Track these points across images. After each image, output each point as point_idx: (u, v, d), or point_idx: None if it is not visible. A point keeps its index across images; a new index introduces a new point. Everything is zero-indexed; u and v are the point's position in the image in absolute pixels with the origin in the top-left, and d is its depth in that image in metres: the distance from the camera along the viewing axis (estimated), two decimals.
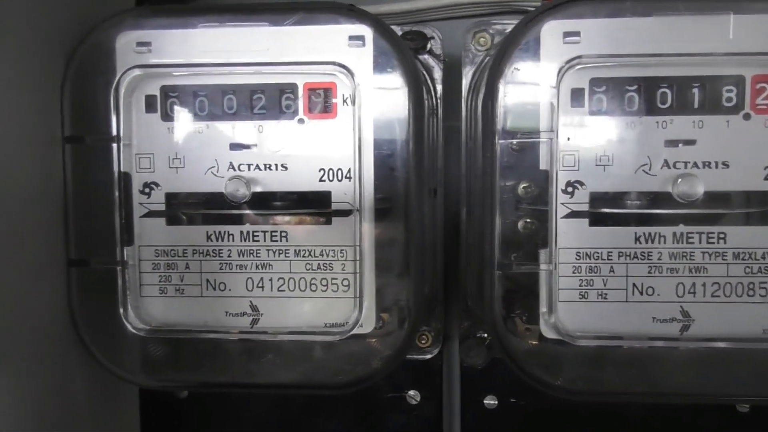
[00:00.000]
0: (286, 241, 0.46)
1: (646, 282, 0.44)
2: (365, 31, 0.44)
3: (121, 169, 0.46)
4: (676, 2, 0.41)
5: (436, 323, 0.52)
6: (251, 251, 0.47)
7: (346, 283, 0.46)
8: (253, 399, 0.57)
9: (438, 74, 0.50)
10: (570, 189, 0.43)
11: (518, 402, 0.54)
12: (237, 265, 0.47)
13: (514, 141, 0.43)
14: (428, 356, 0.52)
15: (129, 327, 0.47)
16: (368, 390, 0.49)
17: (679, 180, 0.43)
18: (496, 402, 0.54)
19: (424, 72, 0.49)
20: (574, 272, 0.44)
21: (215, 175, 0.46)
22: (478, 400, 0.54)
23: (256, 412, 0.57)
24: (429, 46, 0.50)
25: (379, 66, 0.44)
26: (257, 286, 0.47)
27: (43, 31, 0.44)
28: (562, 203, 0.43)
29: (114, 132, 0.46)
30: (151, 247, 0.47)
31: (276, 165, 0.46)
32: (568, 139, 0.43)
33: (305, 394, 0.54)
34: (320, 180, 0.46)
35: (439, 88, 0.50)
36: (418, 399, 0.54)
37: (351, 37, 0.44)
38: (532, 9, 0.49)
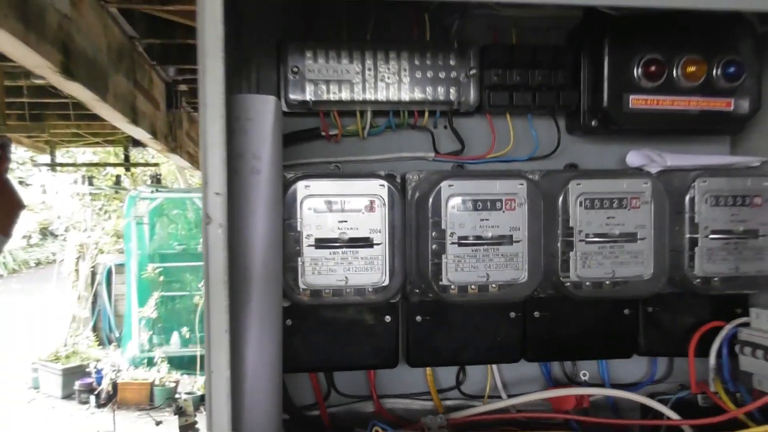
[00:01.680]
0: None
1: None
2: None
3: None
4: None
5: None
6: None
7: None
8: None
9: None
10: None
11: (431, 319, 1.24)
12: None
13: None
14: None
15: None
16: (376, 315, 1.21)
17: None
18: (421, 319, 1.20)
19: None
20: None
21: None
22: (414, 318, 1.19)
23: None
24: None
25: None
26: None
27: None
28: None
29: None
30: None
31: None
32: None
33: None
34: None
35: None
36: (389, 320, 1.21)
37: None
38: None
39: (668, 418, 1.18)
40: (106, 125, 7.44)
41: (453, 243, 1.12)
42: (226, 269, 0.86)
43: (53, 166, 9.15)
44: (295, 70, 1.19)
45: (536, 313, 1.26)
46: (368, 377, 1.28)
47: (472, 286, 1.15)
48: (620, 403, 1.32)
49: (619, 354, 1.31)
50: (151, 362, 8.92)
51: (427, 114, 1.25)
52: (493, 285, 1.14)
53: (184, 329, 9.37)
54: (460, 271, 1.13)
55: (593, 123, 1.26)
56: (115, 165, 10.03)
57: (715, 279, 1.20)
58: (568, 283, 1.17)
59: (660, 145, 1.30)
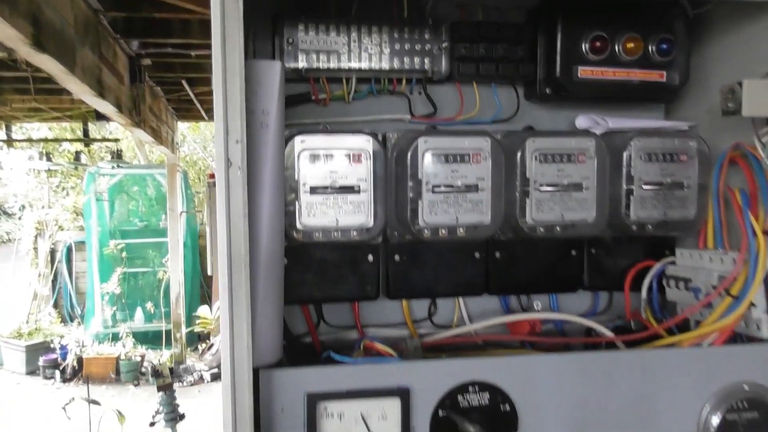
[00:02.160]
0: None
1: None
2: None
3: None
4: None
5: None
6: None
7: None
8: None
9: None
10: None
11: (408, 258, 1.44)
12: None
13: None
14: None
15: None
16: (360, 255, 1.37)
17: None
18: (399, 258, 1.41)
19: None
20: None
21: None
22: (393, 258, 1.40)
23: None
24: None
25: None
26: None
27: None
28: None
29: None
30: None
31: None
32: None
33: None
34: None
35: None
36: (372, 259, 1.40)
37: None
38: None
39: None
40: (65, 100, 7.39)
41: (428, 191, 1.32)
42: (245, 204, 1.03)
43: (9, 142, 8.98)
44: (290, 41, 1.36)
45: (497, 254, 1.47)
46: (353, 309, 1.47)
47: (443, 229, 1.34)
48: (567, 330, 1.54)
49: (566, 289, 1.53)
50: (115, 337, 8.95)
51: (404, 81, 1.44)
52: (461, 227, 1.34)
53: (149, 304, 9.41)
54: (434, 214, 1.32)
55: (547, 91, 1.46)
56: (75, 140, 9.93)
57: (648, 224, 1.43)
58: (525, 226, 1.38)
59: (604, 111, 1.50)
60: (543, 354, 1.30)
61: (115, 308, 9.31)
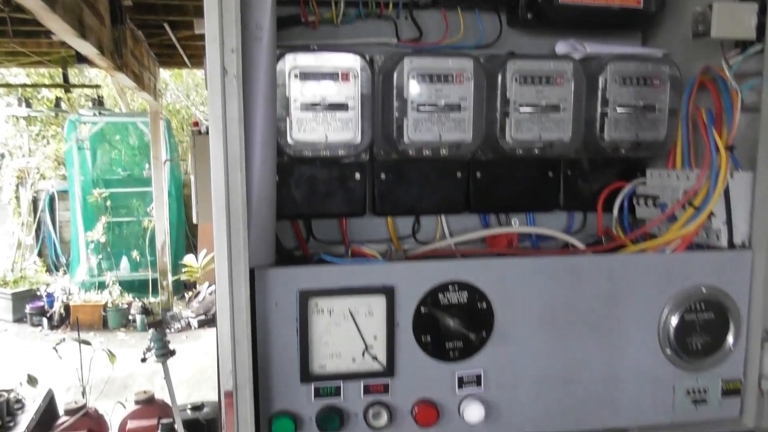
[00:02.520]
0: None
1: None
2: None
3: None
4: None
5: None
6: None
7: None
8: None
9: None
10: None
11: (393, 176, 1.52)
12: None
13: None
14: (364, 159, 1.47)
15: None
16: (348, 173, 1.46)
17: None
18: (385, 176, 1.49)
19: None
20: None
21: None
22: (380, 176, 1.50)
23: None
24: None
25: None
26: None
27: None
28: None
29: None
30: None
31: None
32: None
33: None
34: None
35: None
36: (359, 176, 1.47)
37: None
38: None
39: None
40: (43, 43, 7.26)
41: (412, 109, 1.38)
42: (241, 112, 1.09)
43: None
44: None
45: (478, 174, 1.55)
46: (341, 225, 1.54)
47: (427, 147, 1.41)
48: (542, 247, 1.64)
49: (543, 208, 1.62)
50: (102, 286, 9.02)
51: (391, 5, 1.48)
52: (444, 145, 1.41)
53: (134, 253, 9.47)
54: (418, 132, 1.39)
55: (529, 16, 1.52)
56: (54, 86, 9.75)
57: (621, 146, 1.51)
58: (505, 146, 1.46)
59: (584, 37, 1.56)
60: (517, 257, 1.39)
61: (100, 257, 9.36)
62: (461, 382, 1.28)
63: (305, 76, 1.35)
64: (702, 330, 1.34)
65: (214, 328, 1.31)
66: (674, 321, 1.32)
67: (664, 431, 1.38)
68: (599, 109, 1.48)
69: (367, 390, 1.25)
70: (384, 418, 1.24)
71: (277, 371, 1.21)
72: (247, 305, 1.13)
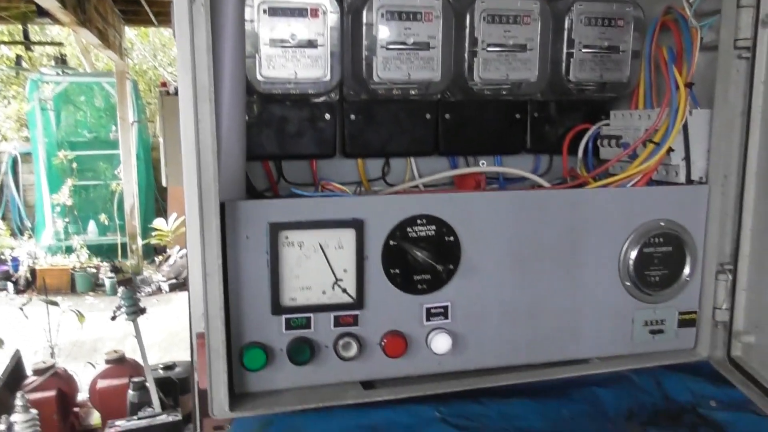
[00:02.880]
0: None
1: None
2: None
3: None
4: None
5: None
6: None
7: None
8: None
9: None
10: None
11: (363, 117, 1.53)
12: None
13: None
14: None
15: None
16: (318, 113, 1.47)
17: None
18: (355, 117, 1.51)
19: None
20: None
21: None
22: (349, 116, 1.52)
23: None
24: None
25: None
26: None
27: None
28: None
29: None
30: None
31: None
32: None
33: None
34: None
35: None
36: (329, 117, 1.48)
37: None
38: None
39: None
40: None
41: (382, 47, 1.38)
42: (209, 39, 1.08)
43: None
44: None
45: (447, 115, 1.57)
46: (311, 166, 1.55)
47: (397, 87, 1.42)
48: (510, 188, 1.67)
49: (511, 151, 1.65)
50: (69, 250, 8.90)
51: None
52: (413, 84, 1.42)
53: (102, 216, 9.33)
54: (388, 70, 1.40)
55: None
56: (14, 43, 9.42)
57: (586, 86, 1.54)
58: (473, 86, 1.47)
59: None
60: (484, 192, 1.42)
61: (67, 220, 9.20)
62: (429, 314, 1.31)
63: (274, 11, 1.34)
64: (660, 263, 1.39)
65: (186, 292, 1.32)
66: (634, 254, 1.37)
67: (622, 360, 1.44)
68: (565, 50, 1.50)
69: (337, 322, 1.27)
70: (354, 349, 1.27)
71: (248, 304, 1.23)
72: (217, 238, 1.14)
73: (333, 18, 1.37)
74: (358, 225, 1.24)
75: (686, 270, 1.41)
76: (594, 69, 1.52)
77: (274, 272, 1.22)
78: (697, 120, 1.38)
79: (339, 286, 1.26)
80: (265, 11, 1.33)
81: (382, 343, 1.29)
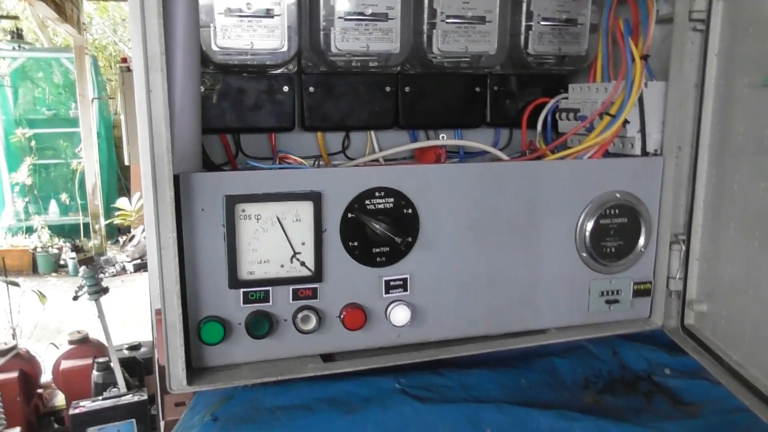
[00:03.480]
0: None
1: None
2: None
3: None
4: None
5: None
6: None
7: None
8: None
9: None
10: None
11: (322, 90, 1.51)
12: None
13: None
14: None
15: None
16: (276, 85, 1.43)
17: None
18: (314, 89, 1.48)
19: None
20: None
21: None
22: (308, 89, 1.50)
23: None
24: None
25: None
26: None
27: None
28: None
29: None
30: None
31: None
32: None
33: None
34: None
35: None
36: (287, 89, 1.46)
37: None
38: None
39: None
40: None
41: (340, 18, 1.37)
42: (161, 8, 1.05)
43: None
44: None
45: (407, 89, 1.56)
46: (270, 140, 1.54)
47: (355, 58, 1.41)
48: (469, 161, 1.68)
49: (471, 124, 1.65)
50: (30, 230, 8.68)
51: None
52: (372, 55, 1.41)
53: (63, 196, 9.11)
54: (346, 41, 1.38)
55: None
56: None
57: (544, 59, 1.54)
58: (432, 58, 1.46)
59: None
60: (441, 164, 1.43)
61: (27, 200, 8.96)
62: (388, 287, 1.32)
63: None
64: (616, 234, 1.41)
65: None
66: (590, 225, 1.39)
67: (579, 330, 1.47)
68: (524, 22, 1.50)
69: (296, 295, 1.27)
70: (313, 323, 1.27)
71: (205, 278, 1.22)
72: (172, 210, 1.12)
73: None
74: (315, 197, 1.23)
75: (641, 241, 1.44)
76: (552, 42, 1.52)
77: (231, 246, 1.21)
78: (653, 92, 1.39)
79: (297, 259, 1.25)
80: None
81: (341, 316, 1.29)
